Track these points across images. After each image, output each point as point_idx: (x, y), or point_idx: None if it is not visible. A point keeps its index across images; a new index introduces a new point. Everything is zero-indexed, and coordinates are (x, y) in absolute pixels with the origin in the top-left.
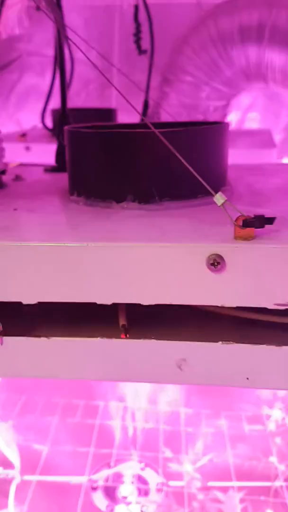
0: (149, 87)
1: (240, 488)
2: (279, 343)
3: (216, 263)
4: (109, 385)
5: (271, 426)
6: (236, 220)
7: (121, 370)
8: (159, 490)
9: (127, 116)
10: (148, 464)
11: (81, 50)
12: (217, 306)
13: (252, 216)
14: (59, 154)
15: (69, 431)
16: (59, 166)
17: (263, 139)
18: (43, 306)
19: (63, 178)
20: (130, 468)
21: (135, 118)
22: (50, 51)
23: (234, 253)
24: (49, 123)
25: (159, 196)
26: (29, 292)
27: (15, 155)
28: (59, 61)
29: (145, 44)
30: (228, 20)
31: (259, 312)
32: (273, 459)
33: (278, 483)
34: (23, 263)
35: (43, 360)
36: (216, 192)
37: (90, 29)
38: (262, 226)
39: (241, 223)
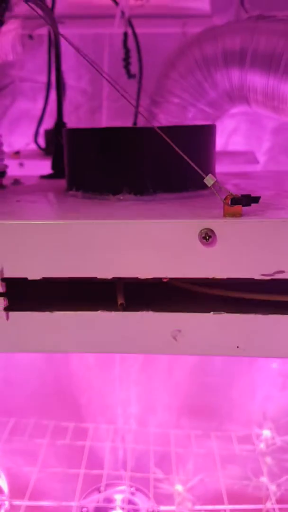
0: (138, 108)
1: (232, 510)
2: (266, 312)
3: (207, 236)
4: (99, 407)
5: (261, 446)
6: (225, 198)
7: (121, 342)
8: None
9: None
10: (138, 488)
11: (77, 50)
12: (205, 287)
13: (240, 195)
14: (56, 161)
15: (58, 454)
16: (56, 173)
17: (246, 158)
18: (47, 282)
19: (60, 183)
20: (120, 493)
21: None
22: (41, 77)
23: (224, 227)
24: (41, 143)
25: (153, 188)
26: (34, 269)
27: (9, 171)
28: (55, 67)
29: (134, 69)
30: (212, 45)
31: (243, 291)
32: (264, 479)
33: (269, 504)
34: (28, 241)
35: (47, 334)
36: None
37: (81, 56)
38: (249, 204)
39: (229, 201)
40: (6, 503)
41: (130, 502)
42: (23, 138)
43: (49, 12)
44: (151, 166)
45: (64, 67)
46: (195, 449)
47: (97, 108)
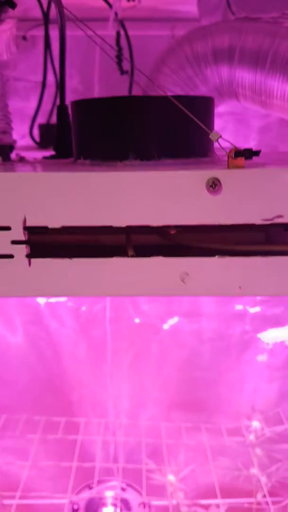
0: None
1: (224, 504)
2: (266, 254)
3: (214, 185)
4: (90, 403)
5: (251, 437)
6: (229, 151)
7: (134, 285)
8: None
9: None
10: (129, 484)
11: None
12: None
13: (242, 149)
14: (58, 143)
15: (50, 449)
16: (59, 154)
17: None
18: (66, 230)
19: (63, 161)
20: (111, 489)
21: None
22: (34, 77)
23: (229, 176)
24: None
25: (158, 154)
26: (54, 217)
27: None
28: (60, 50)
29: (125, 67)
30: (202, 43)
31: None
32: (254, 470)
33: (259, 496)
34: (48, 192)
35: (66, 279)
36: None
37: (73, 57)
38: (251, 157)
39: (233, 154)
40: None
41: (121, 498)
42: (16, 135)
43: (62, 10)
44: (156, 133)
45: (57, 67)
46: (186, 441)
47: None
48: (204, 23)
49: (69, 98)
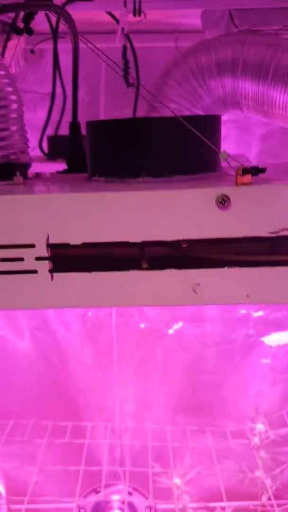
0: (135, 113)
1: (229, 507)
2: (273, 264)
3: (223, 201)
4: (96, 407)
5: (255, 440)
6: (237, 169)
7: (149, 296)
8: None
9: None
10: (136, 488)
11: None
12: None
13: (249, 167)
14: (71, 158)
15: (57, 454)
16: (71, 168)
17: (239, 160)
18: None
19: (77, 176)
20: (118, 493)
21: None
22: (41, 89)
23: (237, 192)
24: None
25: (169, 171)
26: (75, 235)
27: None
28: (73, 71)
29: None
30: (206, 55)
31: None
32: (259, 472)
33: (264, 499)
34: (69, 211)
35: (86, 291)
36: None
37: (80, 68)
38: (257, 174)
39: (241, 172)
40: (4, 506)
41: (127, 502)
42: None
43: (73, 25)
44: (167, 152)
45: (65, 81)
46: (191, 444)
47: (95, 117)
48: (208, 36)
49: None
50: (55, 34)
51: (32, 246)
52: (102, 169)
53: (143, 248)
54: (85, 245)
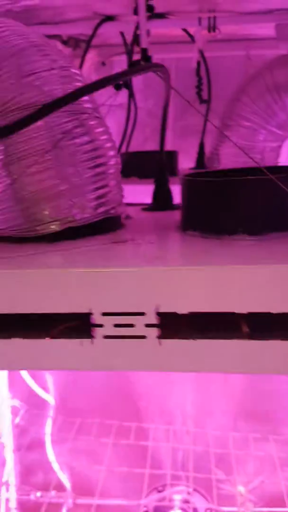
0: (205, 131)
1: None
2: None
3: None
4: (156, 408)
5: None
6: None
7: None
8: None
9: (184, 156)
10: (196, 489)
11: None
12: None
13: None
14: (156, 196)
15: (121, 453)
16: (155, 206)
17: None
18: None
19: (163, 216)
20: (179, 493)
21: (191, 158)
22: (109, 100)
23: None
24: None
25: (265, 229)
26: (182, 305)
27: None
28: (162, 118)
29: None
30: (283, 71)
31: None
32: None
33: None
34: (179, 282)
35: (191, 357)
36: None
37: (150, 79)
38: None
39: None
40: (70, 501)
41: (188, 502)
42: None
43: (169, 80)
44: (264, 210)
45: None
46: (254, 452)
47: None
48: (282, 48)
49: (144, 119)
50: (129, 56)
51: (142, 314)
52: (198, 224)
53: (247, 318)
54: (192, 314)
